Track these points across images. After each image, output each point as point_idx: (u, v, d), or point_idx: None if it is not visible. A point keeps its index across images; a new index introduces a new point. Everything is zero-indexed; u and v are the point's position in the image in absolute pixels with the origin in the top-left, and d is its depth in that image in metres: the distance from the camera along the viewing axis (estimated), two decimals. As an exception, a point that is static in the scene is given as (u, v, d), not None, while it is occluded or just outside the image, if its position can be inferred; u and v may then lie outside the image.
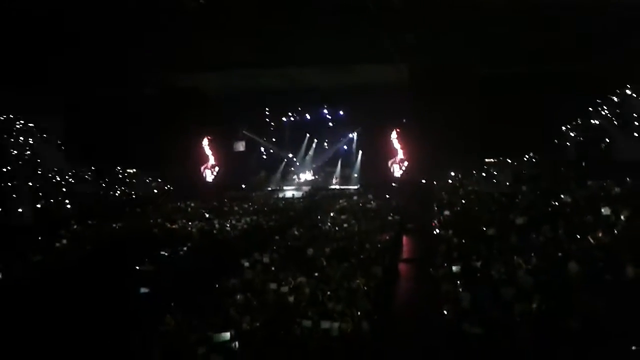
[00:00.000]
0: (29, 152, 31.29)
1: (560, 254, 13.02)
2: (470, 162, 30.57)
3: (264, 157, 39.77)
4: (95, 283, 15.46)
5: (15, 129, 31.40)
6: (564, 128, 29.63)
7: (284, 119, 38.81)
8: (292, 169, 39.60)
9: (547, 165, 27.33)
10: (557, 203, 18.65)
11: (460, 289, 11.77)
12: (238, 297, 12.62)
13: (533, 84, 26.41)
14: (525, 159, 29.93)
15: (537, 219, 17.29)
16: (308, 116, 38.16)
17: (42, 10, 15.42)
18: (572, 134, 29.62)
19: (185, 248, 18.40)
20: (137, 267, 16.43)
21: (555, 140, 29.50)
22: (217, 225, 22.36)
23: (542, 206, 18.87)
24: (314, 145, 39.32)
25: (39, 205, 26.57)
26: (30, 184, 28.63)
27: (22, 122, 31.88)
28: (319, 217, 23.90)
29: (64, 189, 30.07)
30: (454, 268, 13.32)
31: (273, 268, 15.07)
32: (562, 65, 25.85)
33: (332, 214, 24.17)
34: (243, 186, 36.57)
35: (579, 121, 28.68)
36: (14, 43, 18.49)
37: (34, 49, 19.55)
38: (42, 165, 31.13)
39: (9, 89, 26.78)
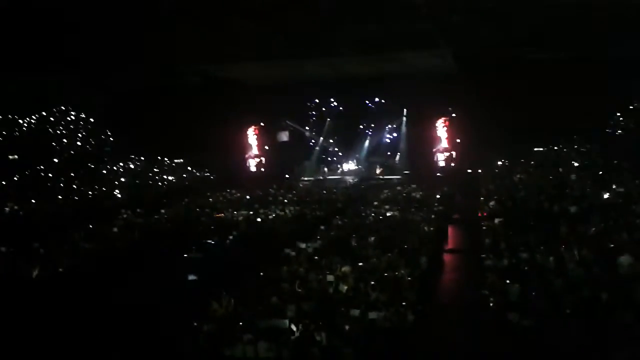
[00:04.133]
0: (79, 143, 32.44)
1: (612, 246, 12.68)
2: (517, 150, 29.89)
3: (307, 147, 39.81)
4: (144, 270, 15.97)
5: (65, 120, 32.59)
6: (616, 116, 28.60)
7: (325, 108, 38.71)
8: (335, 158, 39.55)
9: (598, 155, 26.44)
10: (608, 194, 18.07)
11: (508, 281, 11.60)
12: (283, 285, 12.78)
13: (584, 70, 25.54)
14: (575, 148, 29.01)
15: (587, 210, 16.86)
16: (351, 105, 38.02)
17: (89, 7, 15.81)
18: (624, 123, 28.52)
19: (231, 237, 18.70)
20: (185, 255, 16.83)
21: (607, 129, 28.51)
22: (262, 215, 22.61)
23: (593, 197, 18.33)
24: (357, 134, 39.07)
25: (90, 194, 27.43)
26: (81, 173, 29.70)
27: (73, 113, 33.07)
28: (362, 207, 23.84)
29: (114, 179, 30.98)
30: (501, 259, 13.13)
31: (317, 257, 15.15)
32: (612, 51, 24.91)
33: (375, 204, 24.08)
34: (287, 176, 36.83)
35: (632, 109, 27.60)
36: (63, 34, 19.08)
37: (79, 38, 20.10)
38: (93, 156, 32.20)
39: (58, 78, 27.76)
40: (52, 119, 31.57)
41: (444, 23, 19.90)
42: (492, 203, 20.78)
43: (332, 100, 38.14)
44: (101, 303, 13.16)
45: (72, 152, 31.48)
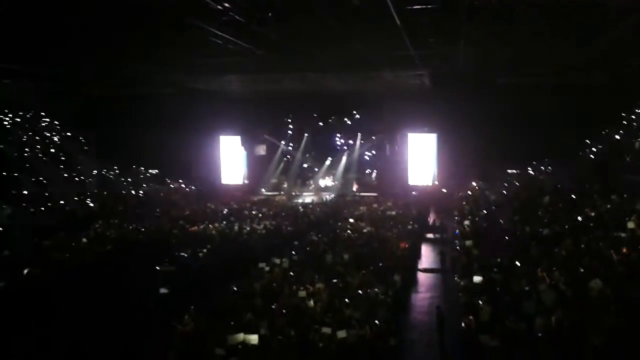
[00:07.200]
0: (53, 150, 31.82)
1: (582, 270, 12.84)
2: (491, 171, 30.26)
3: (285, 161, 39.77)
4: (115, 282, 15.66)
5: (40, 127, 31.99)
6: (587, 140, 29.18)
7: (304, 123, 38.66)
8: (311, 174, 39.56)
9: (571, 178, 26.91)
10: (580, 217, 18.35)
11: (480, 301, 11.68)
12: (256, 300, 12.67)
13: (556, 96, 26.22)
14: (548, 171, 29.48)
15: (559, 232, 17.07)
16: (329, 121, 38.16)
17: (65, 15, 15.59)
18: (596, 147, 29.09)
19: (205, 250, 18.49)
20: (157, 268, 16.57)
21: (579, 153, 29.05)
22: (236, 229, 22.45)
23: (565, 219, 18.59)
24: (335, 150, 39.17)
25: (61, 203, 26.94)
26: (54, 182, 29.14)
27: (47, 120, 32.47)
28: (338, 223, 23.84)
29: (87, 188, 30.49)
30: (475, 279, 13.22)
31: (292, 273, 15.07)
32: (584, 77, 25.61)
33: (351, 221, 24.08)
34: (263, 190, 36.76)
35: (603, 133, 28.23)
36: (39, 40, 18.81)
37: (55, 45, 19.82)
38: (67, 164, 31.63)
39: (31, 84, 27.35)
40: (24, 124, 30.96)
41: (423, 45, 20.13)
42: (466, 222, 20.96)
43: (311, 116, 38.16)
44: (69, 315, 12.85)
45: (44, 159, 30.84)
